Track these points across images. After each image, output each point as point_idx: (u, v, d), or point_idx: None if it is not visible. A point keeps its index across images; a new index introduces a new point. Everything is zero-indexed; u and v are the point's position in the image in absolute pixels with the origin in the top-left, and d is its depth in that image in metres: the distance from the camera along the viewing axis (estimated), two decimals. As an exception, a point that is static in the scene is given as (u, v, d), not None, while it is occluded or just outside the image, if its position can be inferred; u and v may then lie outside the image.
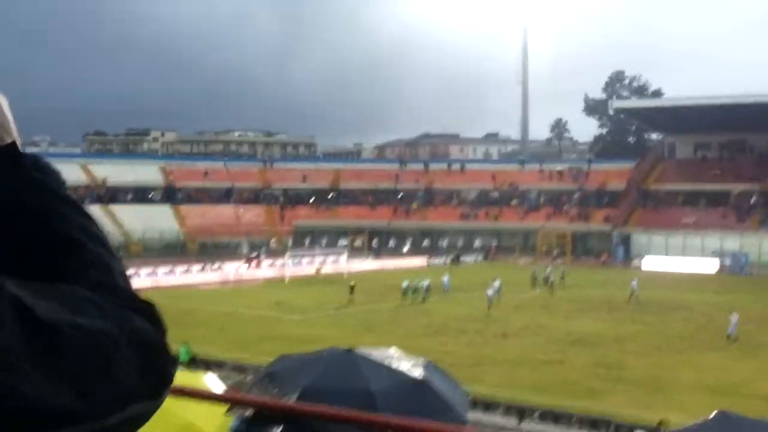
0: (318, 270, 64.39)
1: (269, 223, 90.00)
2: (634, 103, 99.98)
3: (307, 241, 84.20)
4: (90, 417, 0.91)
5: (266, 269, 65.30)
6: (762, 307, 46.39)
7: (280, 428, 2.81)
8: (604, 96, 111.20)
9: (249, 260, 66.89)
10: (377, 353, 3.34)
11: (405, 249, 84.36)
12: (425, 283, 49.73)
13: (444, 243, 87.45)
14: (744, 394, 25.17)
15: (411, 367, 3.40)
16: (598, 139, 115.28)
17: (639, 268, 72.50)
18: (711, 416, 3.32)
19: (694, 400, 24.35)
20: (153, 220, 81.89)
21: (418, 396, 3.11)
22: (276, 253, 73.66)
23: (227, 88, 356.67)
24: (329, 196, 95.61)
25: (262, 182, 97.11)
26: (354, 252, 76.54)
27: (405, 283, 49.55)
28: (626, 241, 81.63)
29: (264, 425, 2.85)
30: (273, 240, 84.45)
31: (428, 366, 3.29)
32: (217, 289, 55.47)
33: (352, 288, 48.74)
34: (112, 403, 0.92)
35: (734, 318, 36.06)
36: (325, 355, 3.39)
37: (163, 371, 1.03)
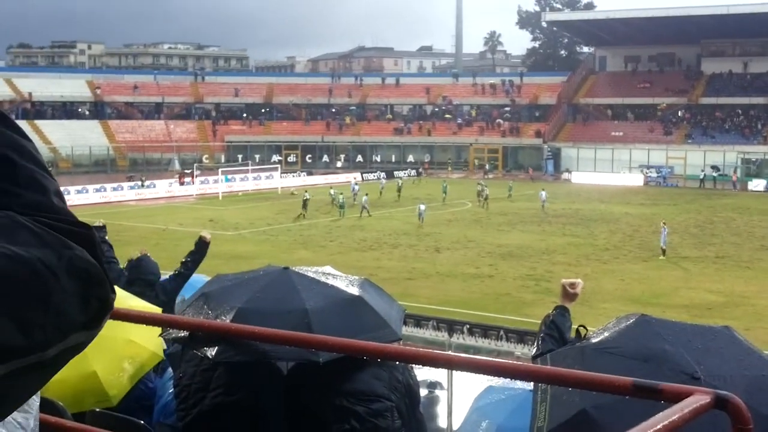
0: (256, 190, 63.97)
1: (201, 139, 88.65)
2: (566, 15, 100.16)
3: (240, 157, 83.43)
4: (31, 350, 0.87)
5: (199, 186, 64.60)
6: (685, 218, 47.85)
7: (215, 350, 2.82)
8: (537, 8, 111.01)
9: (181, 176, 66.10)
10: (313, 271, 3.37)
11: (338, 164, 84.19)
12: (364, 198, 49.83)
13: (377, 158, 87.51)
14: (667, 304, 26.14)
15: (346, 284, 3.42)
16: (531, 52, 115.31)
17: (569, 181, 73.84)
18: (632, 321, 3.48)
19: (618, 310, 25.17)
20: (81, 136, 79.96)
21: (353, 313, 3.15)
22: (208, 169, 72.89)
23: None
24: (262, 111, 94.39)
25: (194, 97, 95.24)
26: (287, 168, 76.23)
27: (332, 192, 50.08)
28: (556, 155, 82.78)
29: (199, 347, 2.87)
30: (205, 156, 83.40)
31: (364, 283, 3.33)
32: (149, 206, 54.86)
33: (305, 202, 48.53)
34: (53, 335, 0.88)
35: (664, 232, 36.98)
36: (260, 274, 3.41)
37: (102, 299, 0.98)
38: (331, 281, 3.57)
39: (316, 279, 3.58)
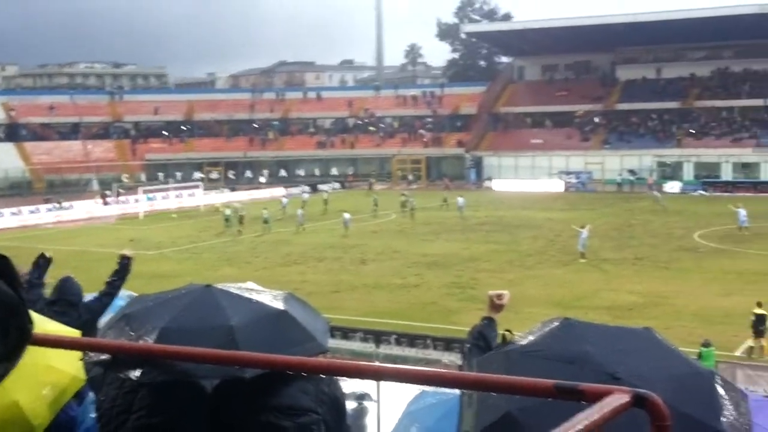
0: (178, 208, 62.99)
1: (120, 158, 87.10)
2: (484, 26, 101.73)
3: (161, 176, 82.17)
4: None
5: (119, 206, 63.41)
6: (604, 222, 48.90)
7: (138, 371, 2.76)
8: (456, 20, 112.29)
9: (104, 196, 64.80)
10: (236, 287, 3.33)
11: (262, 180, 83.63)
12: (300, 212, 49.72)
13: (301, 172, 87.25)
14: (589, 306, 26.65)
15: (271, 299, 3.39)
16: (450, 63, 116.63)
17: (490, 189, 74.76)
18: (555, 324, 3.59)
19: (542, 314, 25.50)
20: (-5, 159, 78.00)
21: (278, 328, 3.11)
22: (129, 188, 71.65)
23: (71, 16, 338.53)
24: (183, 128, 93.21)
25: (112, 116, 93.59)
26: (210, 185, 75.45)
27: (226, 211, 49.71)
28: (478, 163, 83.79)
29: (121, 369, 2.80)
30: (125, 176, 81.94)
31: (288, 297, 3.29)
32: (68, 229, 53.61)
33: (241, 218, 48.40)
34: None
35: (584, 234, 37.59)
36: (183, 293, 3.33)
37: (22, 329, 0.93)
38: (255, 296, 3.54)
39: (239, 295, 3.55)
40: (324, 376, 2.97)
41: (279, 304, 3.34)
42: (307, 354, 2.98)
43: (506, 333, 3.74)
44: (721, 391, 2.69)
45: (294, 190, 74.12)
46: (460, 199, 54.78)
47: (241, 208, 51.19)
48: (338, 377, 3.14)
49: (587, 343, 3.17)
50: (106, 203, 63.32)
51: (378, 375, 2.58)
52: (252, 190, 74.49)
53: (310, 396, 2.94)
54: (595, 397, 1.50)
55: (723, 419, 2.43)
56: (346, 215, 47.02)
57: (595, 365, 3.01)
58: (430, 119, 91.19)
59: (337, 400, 3.02)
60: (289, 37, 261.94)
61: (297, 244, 43.00)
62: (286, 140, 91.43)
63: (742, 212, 44.20)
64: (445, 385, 2.36)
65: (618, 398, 1.47)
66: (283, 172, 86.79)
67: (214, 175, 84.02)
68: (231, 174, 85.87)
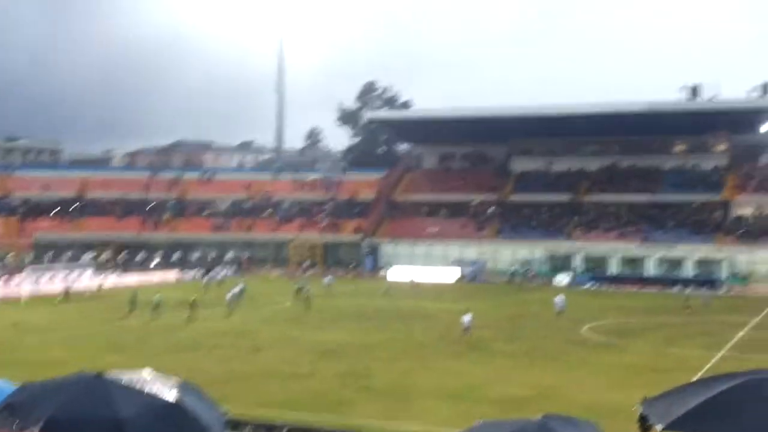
0: (66, 291, 60.33)
1: (7, 236, 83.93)
2: (385, 114, 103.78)
3: (49, 256, 79.45)
4: None
5: (2, 287, 60.55)
6: (497, 314, 49.63)
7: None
8: (357, 106, 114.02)
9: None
10: (128, 377, 3.24)
11: (154, 263, 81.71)
12: (230, 295, 49.94)
13: (196, 256, 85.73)
14: (481, 399, 26.76)
15: (164, 389, 3.34)
16: (350, 149, 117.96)
17: (385, 277, 75.00)
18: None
19: (435, 406, 25.61)
20: None
21: (171, 421, 3.07)
22: (15, 269, 68.93)
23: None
24: (74, 207, 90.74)
25: (1, 191, 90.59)
26: (100, 266, 73.36)
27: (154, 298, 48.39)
28: (375, 250, 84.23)
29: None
30: (10, 254, 78.90)
31: (183, 387, 3.25)
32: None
33: (193, 302, 47.22)
34: None
35: (467, 318, 39.60)
36: (70, 382, 3.24)
37: None
38: (147, 387, 3.45)
39: (131, 385, 3.45)
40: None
41: (172, 396, 3.29)
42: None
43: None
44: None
45: (187, 274, 72.72)
46: (327, 279, 60.61)
47: (157, 294, 49.59)
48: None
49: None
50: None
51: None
52: (145, 273, 72.74)
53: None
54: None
55: None
56: (228, 296, 48.29)
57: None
58: (327, 205, 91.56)
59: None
60: (188, 116, 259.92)
61: (188, 330, 42.04)
62: (182, 222, 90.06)
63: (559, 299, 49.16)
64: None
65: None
66: (177, 255, 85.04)
67: (104, 257, 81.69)
68: (122, 256, 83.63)
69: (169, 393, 3.13)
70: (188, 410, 3.10)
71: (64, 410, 2.96)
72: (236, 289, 46.69)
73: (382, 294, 59.53)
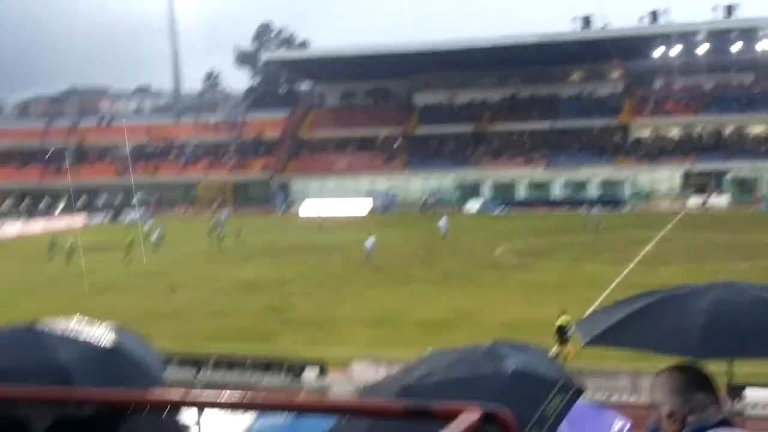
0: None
1: None
2: (283, 54, 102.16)
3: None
4: None
5: None
6: (408, 242, 50.28)
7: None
8: (254, 47, 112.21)
9: None
10: (62, 325, 3.22)
11: (59, 209, 79.65)
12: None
13: (102, 201, 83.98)
14: (401, 323, 27.29)
15: (101, 334, 3.33)
16: (250, 90, 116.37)
17: (297, 213, 74.92)
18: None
19: (358, 332, 26.02)
20: None
21: (113, 364, 3.08)
22: None
23: None
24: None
25: None
26: (2, 215, 71.24)
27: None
28: (285, 187, 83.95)
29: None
30: None
31: (119, 330, 3.25)
32: None
33: (130, 242, 46.89)
34: None
35: (370, 243, 41.60)
36: (1, 334, 3.20)
37: None
38: (83, 335, 3.43)
39: (66, 332, 3.42)
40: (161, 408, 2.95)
41: (110, 339, 3.29)
42: (143, 388, 2.94)
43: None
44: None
45: (94, 219, 71.22)
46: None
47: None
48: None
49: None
50: None
51: (222, 404, 2.59)
52: (49, 220, 70.94)
53: (150, 430, 2.91)
54: (447, 416, 1.61)
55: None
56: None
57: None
58: (233, 145, 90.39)
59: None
60: (81, 61, 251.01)
61: (101, 273, 41.24)
62: (84, 168, 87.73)
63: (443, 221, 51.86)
64: (295, 409, 2.42)
65: (469, 416, 1.59)
66: (82, 201, 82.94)
67: (4, 206, 79.28)
68: (24, 204, 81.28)
69: (106, 337, 3.13)
70: (127, 354, 3.11)
71: (1, 361, 2.94)
72: (155, 235, 46.26)
73: (317, 228, 59.62)
